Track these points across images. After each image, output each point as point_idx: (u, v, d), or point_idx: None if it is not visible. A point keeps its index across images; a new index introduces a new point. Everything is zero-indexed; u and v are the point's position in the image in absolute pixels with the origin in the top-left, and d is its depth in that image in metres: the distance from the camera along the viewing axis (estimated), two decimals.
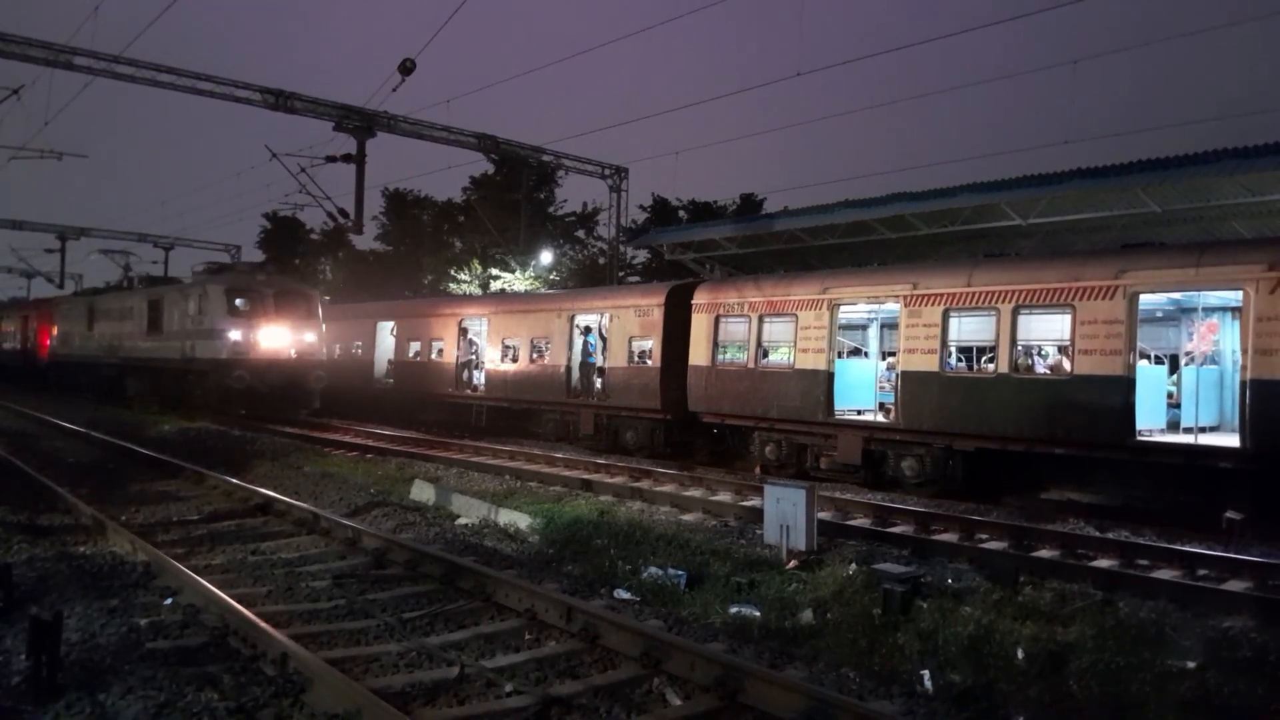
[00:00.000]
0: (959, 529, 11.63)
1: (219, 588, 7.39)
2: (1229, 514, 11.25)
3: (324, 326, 26.67)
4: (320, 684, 5.41)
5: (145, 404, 27.41)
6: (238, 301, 24.44)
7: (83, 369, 34.09)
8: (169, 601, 7.37)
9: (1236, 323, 13.04)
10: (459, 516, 11.88)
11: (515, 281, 35.41)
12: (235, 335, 23.92)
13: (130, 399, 28.82)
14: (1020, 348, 13.93)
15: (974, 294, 14.28)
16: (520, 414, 23.26)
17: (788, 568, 9.24)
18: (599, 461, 17.31)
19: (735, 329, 18.09)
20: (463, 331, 25.36)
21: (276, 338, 24.42)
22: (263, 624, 6.30)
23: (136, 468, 15.73)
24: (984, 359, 14.76)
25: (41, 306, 42.71)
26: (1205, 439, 12.73)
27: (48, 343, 39.55)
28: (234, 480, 13.60)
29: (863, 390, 17.51)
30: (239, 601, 6.92)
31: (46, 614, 5.47)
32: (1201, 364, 14.37)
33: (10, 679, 5.53)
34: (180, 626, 6.73)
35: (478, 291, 35.81)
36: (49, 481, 12.94)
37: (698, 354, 18.49)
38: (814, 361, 16.30)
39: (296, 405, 24.64)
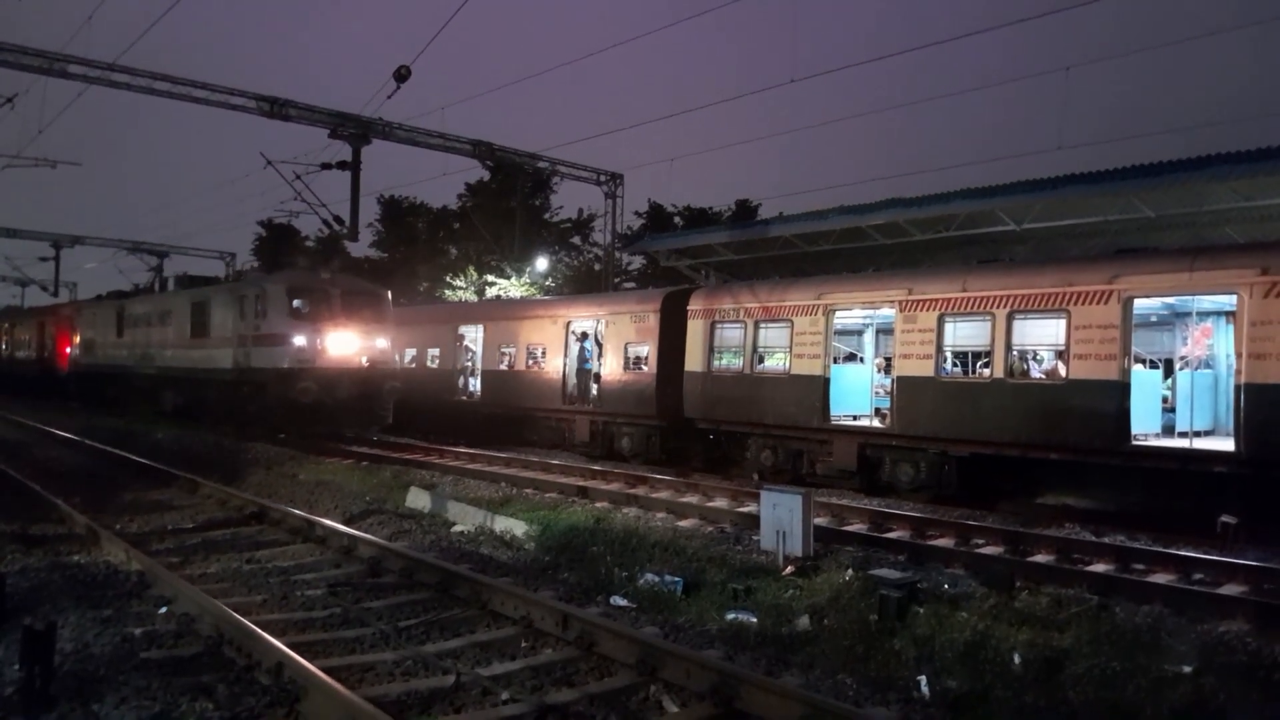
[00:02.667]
0: (955, 534, 11.64)
1: (213, 597, 7.37)
2: (1224, 518, 11.28)
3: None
4: (315, 693, 5.38)
5: (141, 412, 27.17)
6: (296, 303, 21.29)
7: (111, 380, 31.07)
8: (163, 611, 7.34)
9: (1230, 327, 13.07)
10: (455, 524, 11.86)
11: (510, 288, 35.42)
12: (300, 341, 20.75)
13: (170, 413, 26.25)
14: (1015, 353, 13.96)
15: (969, 299, 14.31)
16: (516, 420, 23.24)
17: (784, 574, 9.23)
18: (594, 468, 17.30)
19: (731, 335, 18.10)
20: (458, 338, 25.33)
21: (345, 344, 21.29)
22: (258, 632, 6.28)
23: (130, 476, 15.68)
24: (979, 364, 14.78)
25: (60, 311, 39.55)
26: (1200, 443, 12.75)
27: (68, 351, 36.41)
28: (228, 488, 13.58)
29: (858, 396, 17.53)
30: (233, 610, 6.90)
31: (40, 624, 5.46)
32: (1196, 368, 14.41)
33: (3, 689, 5.50)
34: (174, 636, 6.71)
35: (473, 298, 35.81)
36: (43, 490, 12.90)
37: (693, 360, 18.50)
38: (810, 367, 16.32)
39: (368, 421, 22.05)
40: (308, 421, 20.86)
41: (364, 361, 21.49)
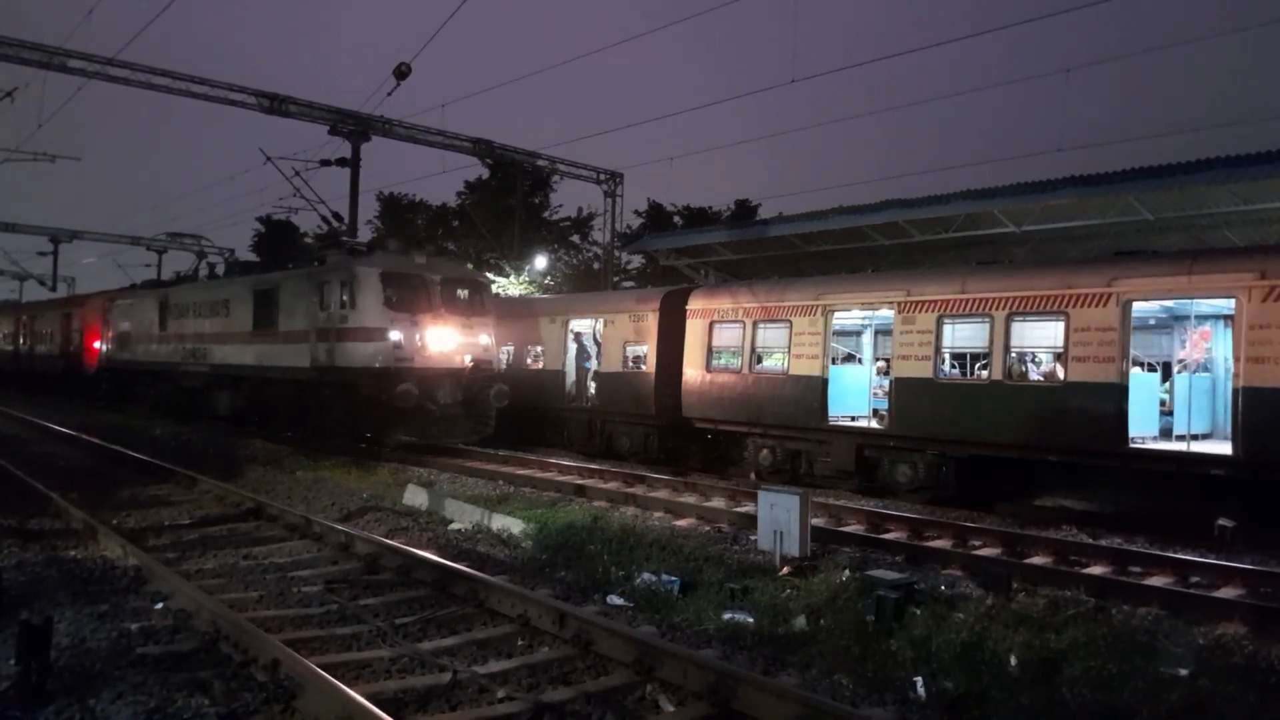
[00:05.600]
0: (952, 535, 11.64)
1: (210, 593, 7.37)
2: (1221, 521, 11.29)
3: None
4: (311, 690, 5.38)
5: (143, 410, 26.96)
6: (389, 291, 18.39)
7: (150, 379, 27.87)
8: (160, 606, 7.33)
9: (1229, 330, 13.08)
10: (452, 522, 11.86)
11: (509, 286, 35.43)
12: (396, 336, 17.97)
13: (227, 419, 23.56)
14: (1014, 355, 13.96)
15: (967, 301, 14.31)
16: (513, 419, 23.19)
17: (781, 574, 9.23)
18: (592, 467, 17.29)
19: (730, 335, 18.09)
20: None
21: (446, 341, 18.65)
22: (254, 629, 6.28)
23: (128, 472, 15.66)
24: (977, 366, 14.78)
25: (88, 302, 35.76)
26: (1197, 446, 12.76)
27: (97, 346, 32.98)
28: (226, 485, 13.57)
29: (856, 396, 17.52)
30: (230, 607, 6.89)
31: (36, 619, 5.45)
32: (1194, 371, 14.42)
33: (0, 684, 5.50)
34: (171, 632, 6.70)
35: None
36: (40, 485, 12.88)
37: (692, 360, 18.49)
38: (808, 367, 16.32)
39: (471, 430, 19.37)
40: (404, 430, 18.50)
41: (467, 361, 18.86)
